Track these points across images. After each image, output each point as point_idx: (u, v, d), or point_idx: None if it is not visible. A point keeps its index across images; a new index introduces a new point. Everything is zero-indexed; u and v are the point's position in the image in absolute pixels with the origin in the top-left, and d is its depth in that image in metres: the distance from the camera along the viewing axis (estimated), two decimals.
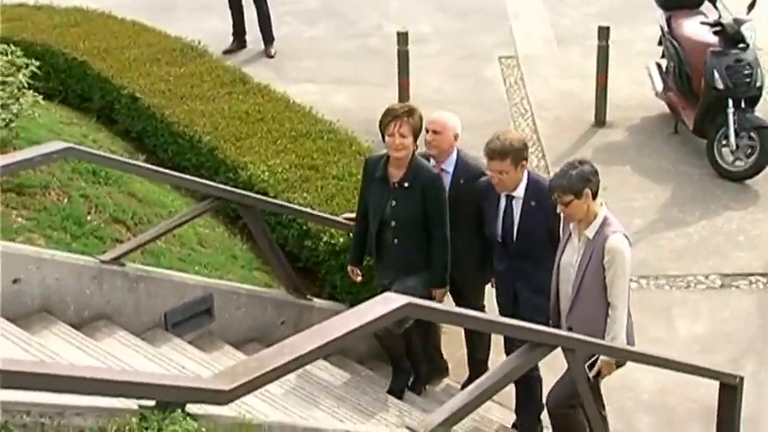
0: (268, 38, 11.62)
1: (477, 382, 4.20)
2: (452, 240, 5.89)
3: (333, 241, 6.67)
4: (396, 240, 5.89)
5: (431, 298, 5.78)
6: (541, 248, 5.69)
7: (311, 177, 7.27)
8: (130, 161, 6.53)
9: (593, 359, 5.19)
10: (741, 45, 9.04)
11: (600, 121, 10.09)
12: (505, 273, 5.92)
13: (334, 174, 7.29)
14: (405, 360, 6.32)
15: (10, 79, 6.34)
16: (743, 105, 8.96)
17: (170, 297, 5.78)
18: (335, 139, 7.85)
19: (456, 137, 6.11)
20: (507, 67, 11.46)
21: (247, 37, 11.72)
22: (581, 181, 5.10)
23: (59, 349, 4.71)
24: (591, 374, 5.14)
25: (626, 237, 5.22)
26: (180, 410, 3.20)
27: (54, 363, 4.21)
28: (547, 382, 5.76)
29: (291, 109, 8.40)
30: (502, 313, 5.87)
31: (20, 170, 5.67)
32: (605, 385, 5.58)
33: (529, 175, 5.78)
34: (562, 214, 5.29)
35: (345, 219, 6.49)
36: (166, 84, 8.73)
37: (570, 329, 5.19)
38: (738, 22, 9.06)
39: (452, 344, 6.91)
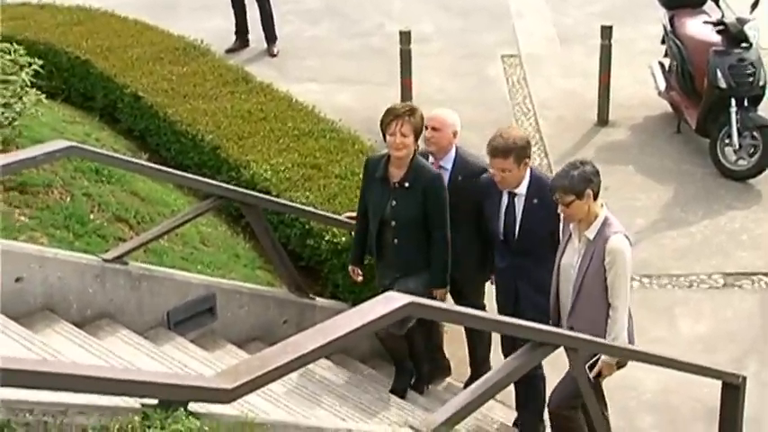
0: (271, 37, 11.62)
1: (480, 381, 4.20)
2: (452, 239, 5.89)
3: (335, 240, 6.68)
4: (396, 240, 5.89)
5: (432, 298, 5.77)
6: (542, 246, 5.68)
7: (314, 176, 7.28)
8: (133, 160, 6.53)
9: (592, 360, 5.19)
10: (744, 44, 9.04)
11: (602, 120, 10.09)
12: (507, 270, 5.91)
13: (336, 173, 7.29)
14: (407, 360, 6.32)
15: (13, 78, 6.34)
16: (746, 105, 8.96)
17: (173, 296, 5.78)
18: (338, 138, 7.85)
19: (455, 134, 6.10)
20: (510, 66, 11.45)
21: (250, 36, 11.72)
22: (583, 181, 5.09)
23: (62, 348, 4.72)
24: (591, 375, 5.13)
25: (627, 237, 5.21)
26: (182, 409, 3.20)
27: (57, 361, 4.22)
28: (551, 381, 5.75)
29: (294, 108, 8.40)
30: (502, 311, 5.86)
31: (23, 169, 5.67)
32: (607, 385, 5.58)
33: (531, 173, 5.76)
34: (562, 215, 5.28)
35: (348, 218, 6.49)
36: (169, 82, 8.73)
37: (571, 330, 5.18)
38: (741, 22, 9.05)
39: (454, 343, 6.91)
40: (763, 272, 7.89)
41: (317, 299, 6.68)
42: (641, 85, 10.40)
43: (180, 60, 9.24)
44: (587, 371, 5.03)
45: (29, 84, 6.43)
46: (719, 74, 8.92)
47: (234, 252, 6.99)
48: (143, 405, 3.21)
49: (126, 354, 5.01)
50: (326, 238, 6.71)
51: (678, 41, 9.66)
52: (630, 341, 5.35)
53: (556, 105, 10.50)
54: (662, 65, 10.08)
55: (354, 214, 6.30)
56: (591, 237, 5.18)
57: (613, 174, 8.74)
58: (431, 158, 6.06)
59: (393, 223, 5.86)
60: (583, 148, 9.62)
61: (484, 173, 5.96)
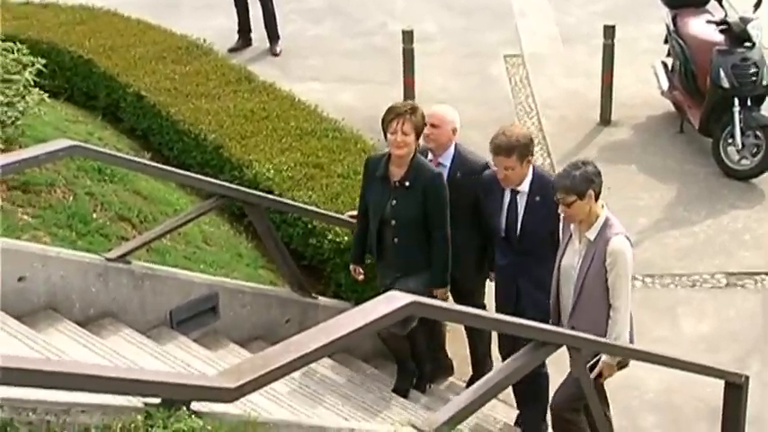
0: (273, 36, 11.62)
1: (482, 380, 4.20)
2: (452, 238, 5.88)
3: (337, 239, 6.67)
4: (396, 240, 5.87)
5: (432, 298, 5.76)
6: (543, 245, 5.68)
7: (316, 175, 7.28)
8: (136, 159, 6.53)
9: (593, 361, 5.19)
10: (747, 44, 9.03)
11: (605, 119, 10.09)
12: (508, 267, 5.90)
13: (339, 172, 7.29)
14: (410, 360, 6.32)
15: (16, 77, 6.35)
16: (749, 104, 8.95)
17: (175, 295, 5.78)
18: (340, 137, 7.85)
19: (454, 131, 6.09)
20: (512, 65, 11.45)
21: (253, 35, 11.73)
22: (584, 182, 5.08)
23: (65, 347, 4.72)
24: (592, 376, 5.12)
25: (627, 238, 5.20)
26: (185, 408, 3.20)
27: (59, 360, 4.22)
28: (554, 381, 5.75)
29: (297, 107, 8.40)
30: (502, 309, 5.86)
31: (26, 168, 5.68)
32: (609, 385, 5.58)
33: (534, 170, 5.76)
34: (562, 215, 5.28)
35: (350, 217, 6.49)
36: (172, 82, 8.73)
37: (573, 329, 5.17)
38: (744, 21, 9.04)
39: (457, 342, 6.90)
40: (766, 271, 7.88)
41: (320, 298, 6.68)
42: (644, 84, 10.40)
43: (183, 59, 9.24)
44: (588, 371, 5.02)
45: (32, 83, 6.43)
46: (722, 73, 8.92)
47: (236, 251, 7.00)
48: (146, 404, 3.22)
49: (129, 353, 5.02)
50: (329, 238, 6.71)
51: (681, 41, 9.65)
52: (630, 342, 5.34)
53: (558, 105, 10.50)
54: (665, 64, 10.07)
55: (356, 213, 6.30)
56: (592, 238, 5.17)
57: (616, 173, 8.74)
58: (429, 155, 6.06)
59: (393, 222, 5.85)
60: (585, 148, 9.61)
61: (483, 170, 5.96)
